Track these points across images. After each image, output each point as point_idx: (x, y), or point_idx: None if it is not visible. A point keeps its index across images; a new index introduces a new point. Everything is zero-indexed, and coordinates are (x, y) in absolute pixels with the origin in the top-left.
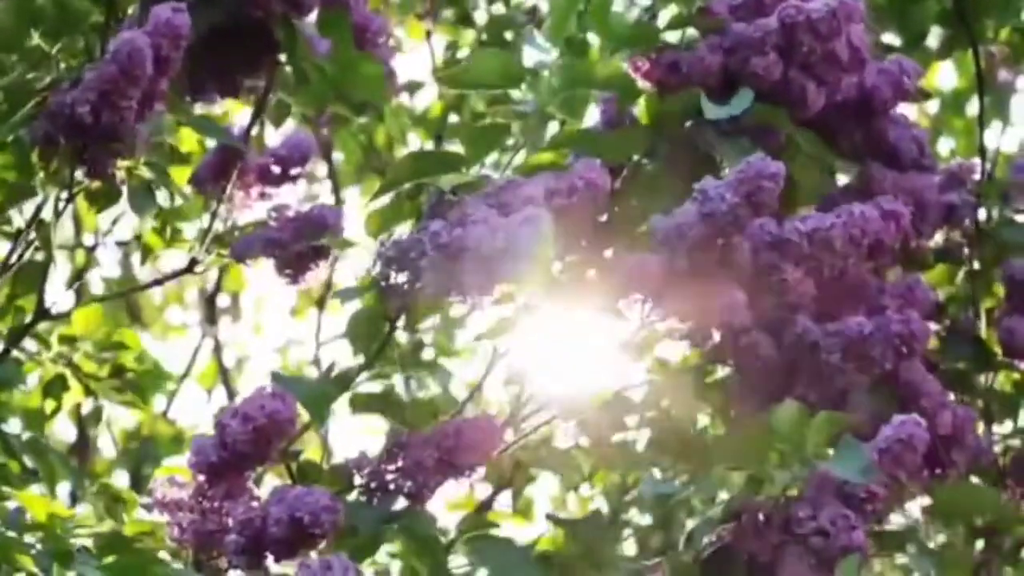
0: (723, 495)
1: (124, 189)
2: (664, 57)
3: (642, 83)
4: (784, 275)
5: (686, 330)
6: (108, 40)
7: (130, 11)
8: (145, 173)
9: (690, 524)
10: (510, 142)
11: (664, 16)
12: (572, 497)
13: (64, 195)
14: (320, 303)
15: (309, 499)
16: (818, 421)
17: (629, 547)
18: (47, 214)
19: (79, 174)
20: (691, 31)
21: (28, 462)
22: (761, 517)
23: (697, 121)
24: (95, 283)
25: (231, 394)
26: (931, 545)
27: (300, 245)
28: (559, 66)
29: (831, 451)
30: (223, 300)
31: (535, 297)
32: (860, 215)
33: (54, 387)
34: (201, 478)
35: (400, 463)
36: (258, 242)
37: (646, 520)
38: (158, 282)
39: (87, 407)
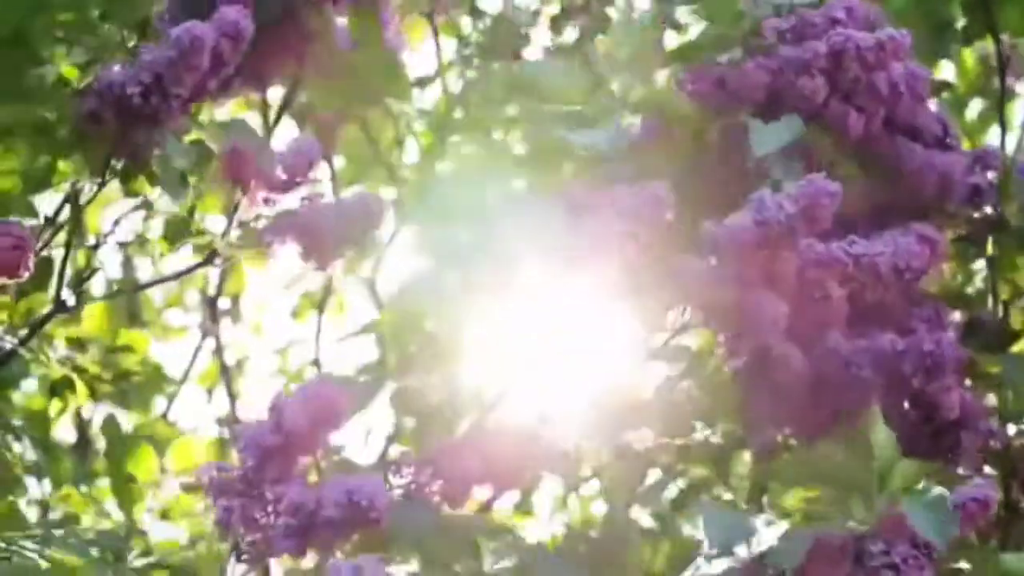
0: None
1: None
2: (711, 72)
3: (685, 97)
4: (828, 293)
5: (723, 339)
6: (149, 22)
7: None
8: (180, 161)
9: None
10: None
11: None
12: (572, 497)
13: (96, 180)
14: (321, 305)
15: (366, 485)
16: (908, 464)
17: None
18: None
19: (115, 159)
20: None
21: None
22: (834, 548)
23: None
24: (99, 285)
25: (232, 395)
26: None
27: (333, 232)
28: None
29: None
30: (223, 302)
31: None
32: (906, 248)
33: (59, 389)
34: (251, 462)
35: (441, 471)
36: (291, 226)
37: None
38: (170, 278)
39: (90, 410)
